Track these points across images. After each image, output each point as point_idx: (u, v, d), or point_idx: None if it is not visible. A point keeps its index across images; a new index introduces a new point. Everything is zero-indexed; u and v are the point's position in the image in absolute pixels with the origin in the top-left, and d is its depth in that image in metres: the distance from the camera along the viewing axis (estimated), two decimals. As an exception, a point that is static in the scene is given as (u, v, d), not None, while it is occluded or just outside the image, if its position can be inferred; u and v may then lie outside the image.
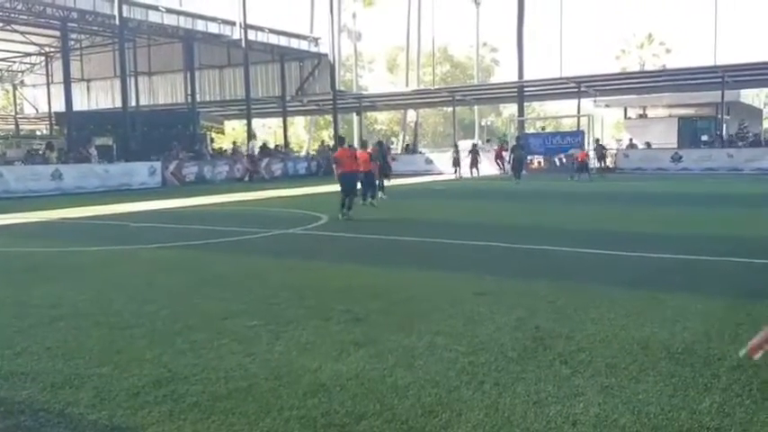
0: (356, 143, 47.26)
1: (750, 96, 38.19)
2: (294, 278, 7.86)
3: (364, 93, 49.24)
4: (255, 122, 44.87)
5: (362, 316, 5.94)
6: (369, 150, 17.72)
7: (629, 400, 3.93)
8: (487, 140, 49.74)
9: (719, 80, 32.80)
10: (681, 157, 32.20)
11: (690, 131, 37.65)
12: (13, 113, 51.13)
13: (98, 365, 4.68)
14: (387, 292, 6.95)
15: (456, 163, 33.13)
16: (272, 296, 6.83)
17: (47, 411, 3.90)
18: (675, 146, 34.99)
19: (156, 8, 32.28)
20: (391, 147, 40.07)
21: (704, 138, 35.88)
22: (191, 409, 3.92)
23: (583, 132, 34.50)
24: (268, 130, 66.30)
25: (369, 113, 57.21)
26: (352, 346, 5.04)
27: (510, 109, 66.54)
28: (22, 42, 38.02)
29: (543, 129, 45.83)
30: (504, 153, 33.62)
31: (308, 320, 5.80)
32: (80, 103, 41.54)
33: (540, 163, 35.40)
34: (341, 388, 4.21)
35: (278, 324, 5.70)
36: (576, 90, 35.92)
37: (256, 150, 35.07)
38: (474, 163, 32.95)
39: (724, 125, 35.49)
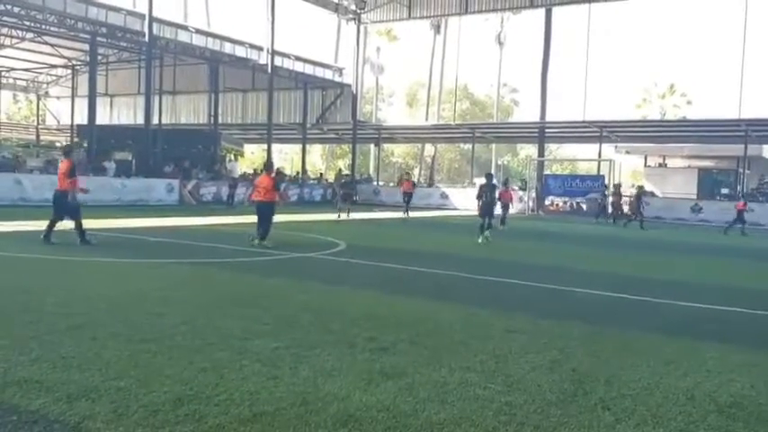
0: (372, 174, 47.47)
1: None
2: (316, 302, 7.63)
3: (384, 124, 49.38)
4: (273, 148, 45.02)
5: (388, 345, 5.69)
6: (273, 175, 14.05)
7: (683, 455, 3.66)
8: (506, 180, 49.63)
9: (742, 134, 32.62)
10: (701, 209, 31.87)
11: (710, 183, 37.41)
12: (35, 124, 51.61)
13: (115, 378, 4.46)
14: (412, 322, 6.70)
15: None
16: (293, 319, 6.60)
17: (62, 424, 3.68)
18: (695, 197, 34.72)
19: (185, 28, 32.62)
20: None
21: (724, 191, 35.61)
22: (214, 431, 3.68)
23: (603, 177, 34.28)
24: (285, 157, 66.57)
25: (385, 146, 57.31)
26: (380, 377, 4.80)
27: (527, 150, 66.60)
28: (50, 54, 38.49)
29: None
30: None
31: (332, 346, 5.56)
32: (102, 117, 41.85)
33: (557, 205, 35.23)
34: (372, 420, 3.97)
35: (301, 348, 5.47)
36: (598, 135, 35.81)
37: (237, 173, 32.98)
38: None
39: (744, 179, 35.23)
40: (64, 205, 12.25)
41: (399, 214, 27.43)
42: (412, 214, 26.92)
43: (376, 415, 4.06)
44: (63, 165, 12.58)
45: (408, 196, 27.85)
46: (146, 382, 4.41)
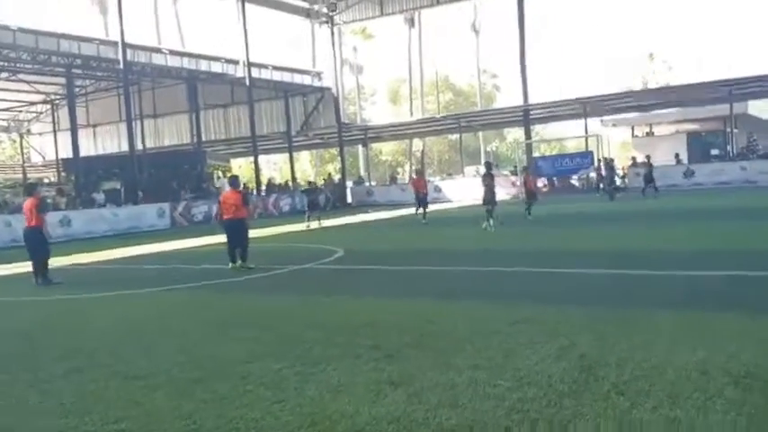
0: (363, 174, 47.32)
1: (758, 108, 37.92)
2: (317, 315, 7.52)
3: (370, 124, 49.23)
4: (261, 159, 44.82)
5: (393, 352, 5.58)
6: (240, 190, 13.05)
7: (704, 435, 3.56)
8: (495, 166, 49.59)
9: (727, 94, 32.58)
10: (693, 173, 31.86)
11: (699, 146, 37.40)
12: (20, 163, 51.31)
13: (115, 421, 4.34)
14: (415, 325, 6.59)
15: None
16: (295, 335, 6.48)
17: (63, 477, 3.56)
18: (686, 161, 34.70)
19: (159, 50, 32.46)
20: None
21: (714, 152, 35.61)
22: (220, 466, 3.57)
23: (591, 153, 34.26)
24: (273, 167, 66.41)
25: (373, 145, 57.22)
26: (388, 386, 4.69)
27: (514, 134, 66.60)
28: (27, 92, 38.25)
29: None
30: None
31: (337, 360, 5.45)
32: (86, 149, 41.61)
33: (547, 187, 35.24)
34: (382, 434, 3.86)
35: (305, 365, 5.35)
36: (582, 111, 35.75)
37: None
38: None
39: (734, 139, 35.24)
40: (38, 242, 11.88)
41: (397, 213, 27.31)
42: (406, 212, 26.71)
43: (386, 427, 3.95)
44: (28, 203, 12.15)
45: (422, 198, 22.26)
46: (146, 422, 4.29)
